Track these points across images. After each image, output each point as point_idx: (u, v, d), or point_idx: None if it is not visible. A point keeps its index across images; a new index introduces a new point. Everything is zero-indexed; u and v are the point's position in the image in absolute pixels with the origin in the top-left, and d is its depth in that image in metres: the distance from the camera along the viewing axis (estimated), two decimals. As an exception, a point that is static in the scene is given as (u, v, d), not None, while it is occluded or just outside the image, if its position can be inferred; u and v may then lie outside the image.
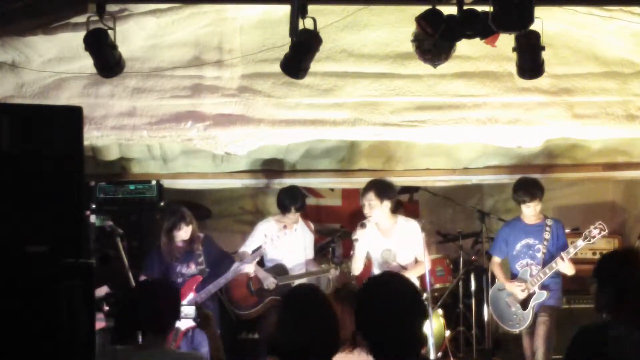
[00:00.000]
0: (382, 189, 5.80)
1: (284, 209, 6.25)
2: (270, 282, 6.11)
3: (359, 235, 5.73)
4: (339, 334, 2.87)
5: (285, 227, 6.19)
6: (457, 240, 7.51)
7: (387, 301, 2.64)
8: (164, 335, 3.57)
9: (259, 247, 6.18)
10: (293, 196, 6.25)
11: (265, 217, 6.70)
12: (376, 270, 5.95)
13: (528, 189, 5.90)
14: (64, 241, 3.21)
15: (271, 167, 7.38)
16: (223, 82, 5.89)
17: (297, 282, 6.22)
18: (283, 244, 6.22)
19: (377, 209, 5.76)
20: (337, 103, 5.95)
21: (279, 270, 6.23)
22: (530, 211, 5.90)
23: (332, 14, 5.57)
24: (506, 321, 6.02)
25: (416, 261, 5.86)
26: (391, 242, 5.81)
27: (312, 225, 6.58)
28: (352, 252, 5.92)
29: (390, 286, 2.73)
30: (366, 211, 5.80)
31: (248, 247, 6.28)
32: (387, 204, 5.80)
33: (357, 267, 5.93)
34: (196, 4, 5.55)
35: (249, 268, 5.99)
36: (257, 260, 6.10)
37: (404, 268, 5.74)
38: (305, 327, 2.75)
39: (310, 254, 6.47)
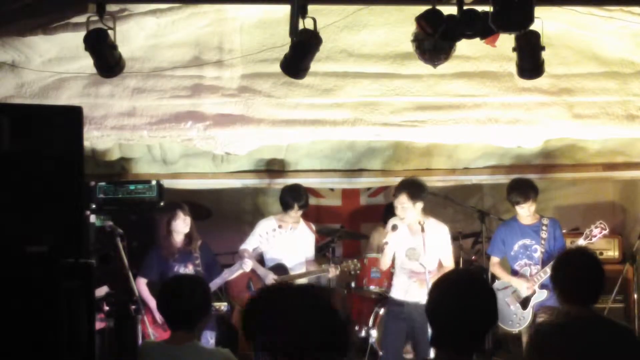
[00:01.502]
0: (414, 190, 5.75)
1: (286, 206, 6.22)
2: (270, 278, 6.10)
3: (390, 238, 5.72)
4: (348, 331, 2.81)
5: (280, 226, 6.18)
6: (457, 240, 7.50)
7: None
8: (194, 331, 3.58)
9: (256, 248, 6.18)
10: (297, 194, 6.23)
11: (267, 217, 6.69)
12: (398, 269, 5.92)
13: (521, 190, 5.89)
14: (64, 241, 3.21)
15: (271, 167, 7.37)
16: (223, 82, 5.88)
17: (297, 281, 6.23)
18: (279, 243, 6.21)
19: (410, 211, 5.72)
20: (337, 103, 5.95)
21: (279, 270, 6.23)
22: (524, 212, 5.90)
23: (332, 14, 5.56)
24: (505, 321, 6.01)
25: (440, 265, 5.83)
26: (417, 242, 5.76)
27: (313, 227, 6.57)
28: (384, 252, 5.88)
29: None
30: (399, 212, 5.76)
31: (248, 244, 6.27)
32: (419, 205, 5.76)
33: (386, 263, 5.95)
34: (196, 4, 5.55)
35: (248, 266, 5.99)
36: (255, 258, 6.12)
37: (428, 272, 5.73)
38: (306, 327, 2.68)
39: (311, 254, 6.46)
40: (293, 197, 6.21)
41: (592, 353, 2.61)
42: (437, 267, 5.80)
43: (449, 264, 5.89)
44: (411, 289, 5.68)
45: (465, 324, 2.55)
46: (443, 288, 2.67)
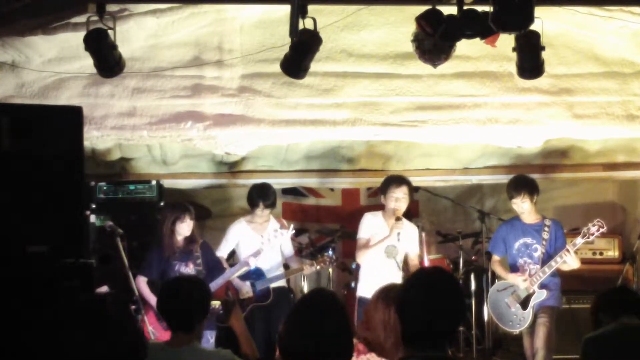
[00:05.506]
0: (412, 186, 5.87)
1: (253, 204, 6.09)
2: (246, 291, 6.02)
3: (401, 228, 5.73)
4: (352, 338, 2.86)
5: (276, 230, 6.12)
6: (457, 240, 7.50)
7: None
8: (193, 332, 3.58)
9: (258, 250, 6.07)
10: (264, 192, 6.08)
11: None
12: (370, 267, 5.87)
13: (515, 185, 5.86)
14: (64, 241, 3.22)
15: (271, 168, 7.37)
16: (223, 82, 5.89)
17: (274, 283, 6.09)
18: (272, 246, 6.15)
19: (406, 204, 5.77)
20: (337, 103, 5.96)
21: (256, 274, 6.08)
22: (519, 208, 5.86)
23: (332, 14, 5.57)
24: (506, 322, 6.00)
25: (406, 262, 5.85)
26: (395, 240, 5.76)
27: (285, 223, 6.41)
28: (371, 244, 5.84)
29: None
30: (399, 205, 5.73)
31: (222, 251, 6.17)
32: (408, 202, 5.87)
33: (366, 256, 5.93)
34: (196, 4, 5.56)
35: (253, 263, 5.93)
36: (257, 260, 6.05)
37: (401, 270, 5.75)
38: (320, 331, 2.73)
39: (288, 251, 6.33)
40: (259, 195, 6.06)
41: None
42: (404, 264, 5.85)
43: (416, 262, 5.92)
44: None
45: (435, 321, 2.58)
46: (413, 286, 2.72)
